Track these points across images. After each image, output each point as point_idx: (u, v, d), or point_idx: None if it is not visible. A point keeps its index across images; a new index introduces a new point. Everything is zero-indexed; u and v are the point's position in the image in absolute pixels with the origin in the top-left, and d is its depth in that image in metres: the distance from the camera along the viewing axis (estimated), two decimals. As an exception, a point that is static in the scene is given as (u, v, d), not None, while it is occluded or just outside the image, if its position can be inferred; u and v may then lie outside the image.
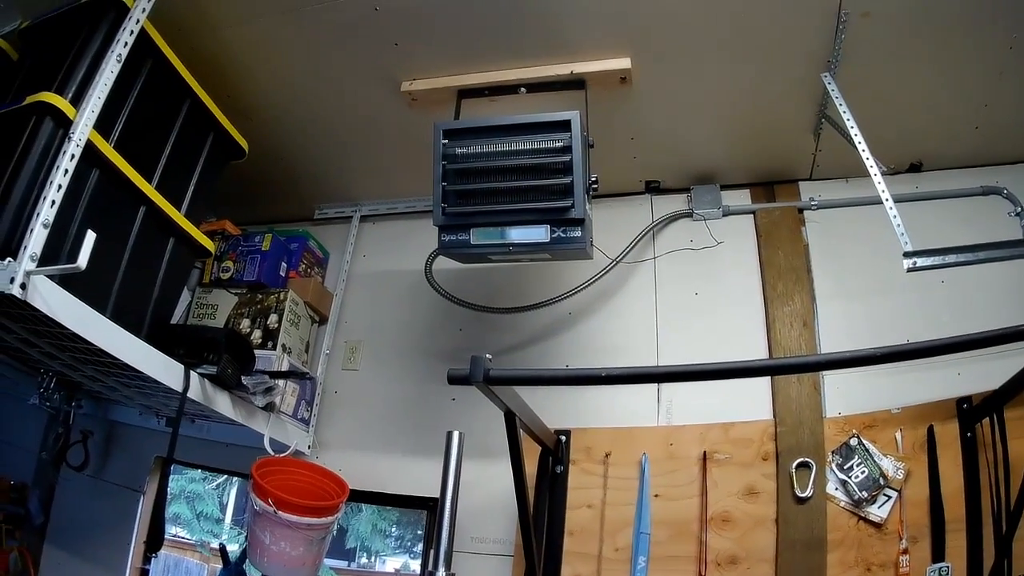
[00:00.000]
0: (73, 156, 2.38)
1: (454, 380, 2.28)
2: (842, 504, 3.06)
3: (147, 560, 4.08)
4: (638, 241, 3.86)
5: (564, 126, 2.90)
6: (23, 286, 2.17)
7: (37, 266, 2.22)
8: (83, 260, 2.21)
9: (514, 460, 2.59)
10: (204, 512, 10.26)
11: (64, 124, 2.46)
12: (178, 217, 3.09)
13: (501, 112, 3.31)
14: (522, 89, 3.32)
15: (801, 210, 3.76)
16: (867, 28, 2.92)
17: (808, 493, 3.08)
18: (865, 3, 2.83)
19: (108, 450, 4.38)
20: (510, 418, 2.51)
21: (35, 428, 4.33)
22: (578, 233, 2.87)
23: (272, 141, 3.90)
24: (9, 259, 2.19)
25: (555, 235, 2.88)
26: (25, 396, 3.51)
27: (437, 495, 2.58)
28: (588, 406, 3.55)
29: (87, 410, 3.92)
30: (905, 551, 2.90)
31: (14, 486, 4.26)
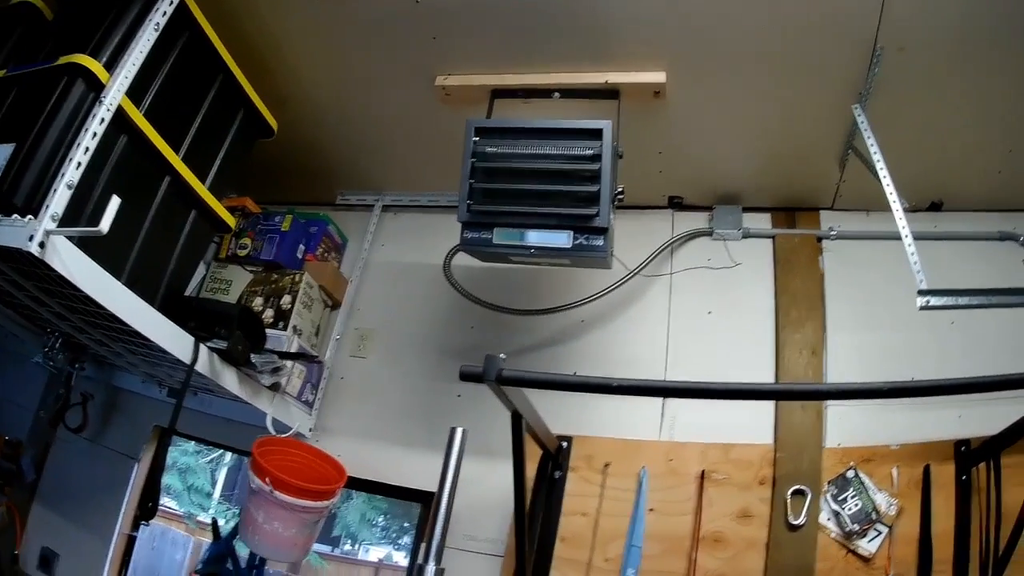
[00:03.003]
0: (103, 120, 2.40)
1: (466, 377, 2.28)
2: (833, 535, 3.06)
3: (136, 527, 4.09)
4: (657, 255, 3.87)
5: (596, 134, 2.92)
6: (42, 245, 2.18)
7: (58, 226, 2.22)
8: (105, 224, 2.23)
9: (516, 461, 2.59)
10: (195, 485, 10.32)
11: (96, 88, 2.48)
12: (202, 190, 3.09)
13: (533, 115, 3.32)
14: (556, 94, 3.33)
15: (820, 239, 3.76)
16: (901, 64, 2.93)
17: (801, 521, 3.08)
18: (901, 39, 2.84)
19: (107, 415, 4.39)
20: (517, 419, 2.51)
21: (35, 387, 4.35)
22: (600, 242, 2.87)
23: (301, 123, 3.90)
24: (30, 217, 2.21)
25: (577, 242, 2.88)
26: (29, 354, 3.52)
27: (433, 489, 2.58)
28: (592, 415, 3.55)
29: (89, 373, 3.91)
30: (890, 587, 2.91)
31: (8, 442, 4.27)
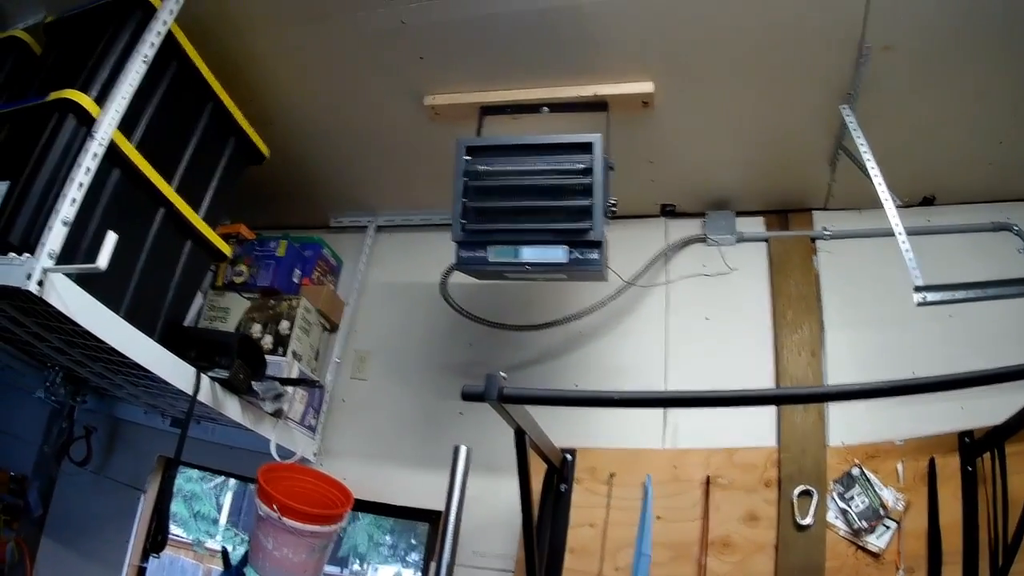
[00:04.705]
0: (95, 155, 2.39)
1: (468, 396, 2.28)
2: (842, 533, 3.07)
3: (145, 559, 4.08)
4: (652, 264, 3.88)
5: (586, 148, 2.93)
6: (40, 283, 2.18)
7: (55, 264, 2.22)
8: (103, 261, 2.23)
9: (522, 478, 2.59)
10: (201, 512, 10.28)
11: (87, 122, 2.47)
12: (196, 220, 3.10)
13: (522, 131, 3.35)
14: (545, 108, 3.33)
15: (814, 239, 3.77)
16: (887, 62, 2.94)
17: (809, 521, 3.08)
18: (887, 37, 2.84)
19: (111, 447, 4.38)
20: (520, 436, 2.51)
21: (39, 421, 4.34)
22: (595, 255, 2.88)
23: (291, 147, 3.91)
24: (27, 255, 2.21)
25: (573, 256, 2.89)
26: (31, 389, 3.51)
27: (440, 507, 2.58)
28: (594, 426, 3.54)
29: (91, 406, 3.91)
30: (902, 582, 2.91)
31: (14, 477, 4.27)
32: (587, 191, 2.89)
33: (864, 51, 2.89)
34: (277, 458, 3.49)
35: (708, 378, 3.58)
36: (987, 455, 2.89)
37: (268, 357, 3.48)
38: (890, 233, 2.90)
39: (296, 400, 3.70)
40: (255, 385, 3.25)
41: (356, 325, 4.38)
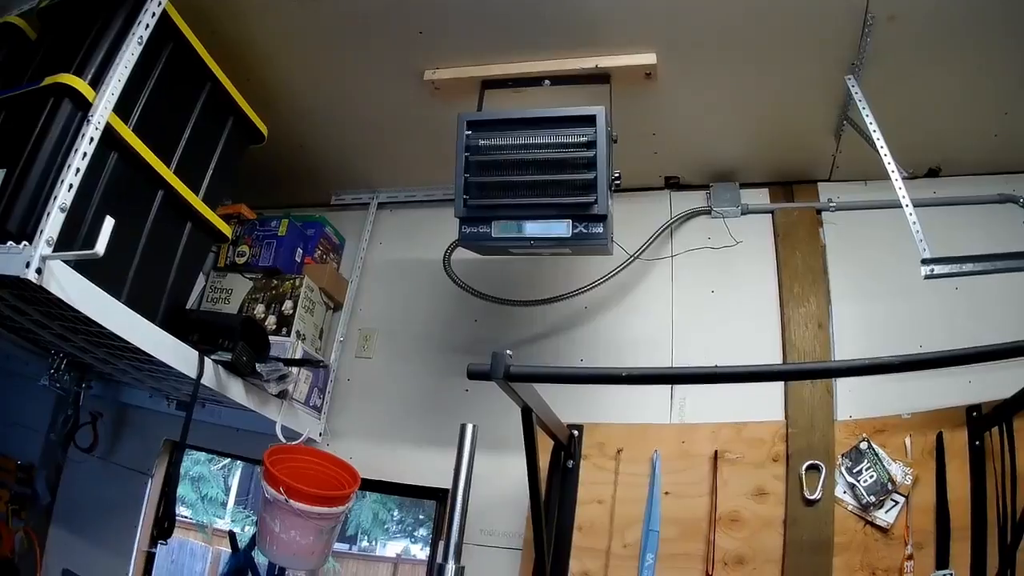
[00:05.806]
0: (92, 139, 2.37)
1: (474, 375, 2.26)
2: (850, 508, 3.06)
3: (154, 544, 4.07)
4: (656, 237, 3.86)
5: (589, 121, 2.90)
6: (39, 271, 2.16)
7: (53, 251, 2.20)
8: (101, 247, 2.20)
9: (529, 455, 2.58)
10: (208, 495, 10.30)
11: (83, 106, 2.44)
12: (196, 201, 3.08)
13: (524, 104, 3.32)
14: (546, 81, 3.30)
15: (819, 211, 3.75)
16: (892, 32, 2.91)
17: (817, 496, 3.08)
18: (891, 7, 2.81)
19: (117, 432, 4.37)
20: (527, 414, 2.49)
21: (44, 409, 4.33)
22: (600, 229, 2.86)
23: (291, 126, 3.89)
24: (25, 243, 2.19)
25: (577, 231, 2.87)
26: (35, 377, 3.50)
27: (447, 486, 2.59)
28: (601, 401, 3.54)
29: (97, 391, 3.91)
30: (910, 557, 2.89)
31: (21, 466, 4.26)
32: (590, 164, 2.87)
33: (869, 21, 2.87)
34: (283, 439, 3.48)
35: (715, 351, 3.57)
36: (995, 430, 2.88)
37: (272, 338, 3.47)
38: (896, 205, 2.89)
39: (301, 381, 3.69)
40: (259, 366, 3.24)
41: (360, 303, 4.36)
